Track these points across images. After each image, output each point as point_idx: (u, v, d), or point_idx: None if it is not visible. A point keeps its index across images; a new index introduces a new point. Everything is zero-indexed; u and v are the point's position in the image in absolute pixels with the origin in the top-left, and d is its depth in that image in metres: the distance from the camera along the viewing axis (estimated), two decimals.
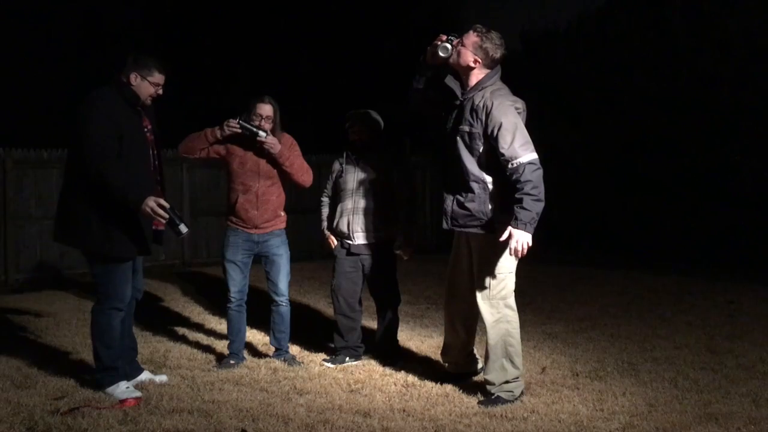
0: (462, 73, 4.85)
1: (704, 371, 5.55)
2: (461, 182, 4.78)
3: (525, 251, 4.55)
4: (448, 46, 4.77)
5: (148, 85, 4.86)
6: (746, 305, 8.36)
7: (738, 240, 12.89)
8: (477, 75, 4.80)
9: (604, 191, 14.86)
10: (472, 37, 4.78)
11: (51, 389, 4.87)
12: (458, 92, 4.88)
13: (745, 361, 5.85)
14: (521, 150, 4.57)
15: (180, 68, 16.23)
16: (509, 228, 4.53)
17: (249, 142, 5.51)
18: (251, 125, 5.43)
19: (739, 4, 13.99)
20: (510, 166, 4.58)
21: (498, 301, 4.83)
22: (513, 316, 4.87)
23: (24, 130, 14.17)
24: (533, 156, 4.58)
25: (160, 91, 4.94)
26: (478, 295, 4.87)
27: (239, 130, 5.42)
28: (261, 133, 5.42)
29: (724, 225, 13.29)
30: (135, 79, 4.83)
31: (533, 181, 4.53)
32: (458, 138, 4.78)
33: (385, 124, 5.97)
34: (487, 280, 4.83)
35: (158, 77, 4.89)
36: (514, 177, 4.57)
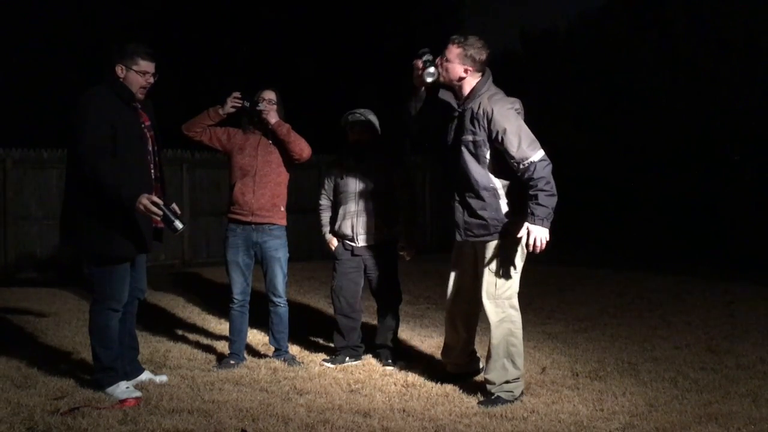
0: (455, 85, 4.86)
1: (704, 371, 5.55)
2: (471, 192, 4.80)
3: (543, 246, 4.59)
4: (432, 69, 4.77)
5: (134, 75, 4.64)
6: (746, 305, 8.37)
7: (738, 240, 12.90)
8: (470, 83, 4.83)
9: (604, 191, 14.87)
10: (454, 50, 4.79)
11: (51, 389, 4.86)
12: (454, 104, 4.90)
13: (745, 361, 5.84)
14: (530, 150, 4.62)
15: (179, 70, 16.26)
16: (526, 224, 4.58)
17: (249, 131, 5.65)
18: (252, 98, 5.61)
19: (739, 4, 14.01)
20: (521, 166, 4.63)
21: (503, 300, 4.83)
22: (516, 316, 4.87)
23: (24, 130, 14.15)
24: (542, 153, 4.65)
25: (151, 80, 4.71)
26: (484, 295, 4.86)
27: (240, 104, 5.55)
28: (261, 104, 5.59)
29: (724, 225, 13.30)
30: (121, 72, 4.65)
31: (546, 177, 4.60)
32: (462, 148, 4.79)
33: (385, 125, 5.95)
34: (495, 280, 4.82)
35: (144, 65, 4.65)
36: (527, 176, 4.62)
